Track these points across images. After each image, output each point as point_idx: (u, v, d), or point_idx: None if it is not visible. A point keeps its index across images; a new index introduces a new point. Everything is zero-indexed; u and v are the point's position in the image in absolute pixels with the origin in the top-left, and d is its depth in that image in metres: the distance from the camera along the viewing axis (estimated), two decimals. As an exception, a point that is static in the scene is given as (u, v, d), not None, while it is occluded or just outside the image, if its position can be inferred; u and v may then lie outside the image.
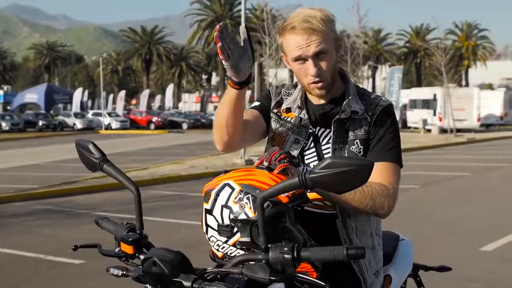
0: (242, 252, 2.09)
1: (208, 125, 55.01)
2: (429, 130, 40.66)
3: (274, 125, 2.70)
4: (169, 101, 73.11)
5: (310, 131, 2.60)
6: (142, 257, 2.12)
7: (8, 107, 70.72)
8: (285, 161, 2.21)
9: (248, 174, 2.16)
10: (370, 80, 76.39)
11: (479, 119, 42.11)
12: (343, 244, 2.49)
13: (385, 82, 48.06)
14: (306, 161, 2.58)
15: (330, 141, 2.56)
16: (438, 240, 9.06)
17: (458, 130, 37.46)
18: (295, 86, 2.74)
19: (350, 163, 1.83)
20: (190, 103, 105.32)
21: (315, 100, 2.64)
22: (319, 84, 2.51)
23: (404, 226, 9.63)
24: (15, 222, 11.25)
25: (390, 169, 2.52)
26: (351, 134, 2.55)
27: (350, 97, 2.58)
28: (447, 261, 6.99)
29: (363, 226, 2.56)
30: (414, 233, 9.18)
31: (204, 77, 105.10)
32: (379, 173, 2.47)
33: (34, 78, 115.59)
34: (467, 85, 75.71)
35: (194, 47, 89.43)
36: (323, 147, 2.57)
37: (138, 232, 2.22)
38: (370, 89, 72.85)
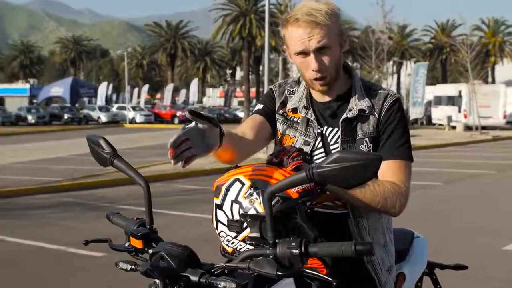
0: (251, 247, 2.08)
1: (232, 120, 55.22)
2: (453, 127, 40.31)
3: (281, 126, 2.65)
4: (193, 96, 73.28)
5: (318, 131, 2.55)
6: (151, 251, 2.12)
7: (34, 101, 71.36)
8: (299, 158, 2.20)
9: (259, 170, 2.15)
10: (395, 76, 75.88)
11: (505, 117, 41.69)
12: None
13: (410, 78, 47.81)
14: (315, 161, 2.51)
15: (338, 140, 2.52)
16: (461, 238, 8.99)
17: (483, 128, 37.13)
18: (298, 82, 2.68)
19: (358, 158, 1.80)
20: (214, 97, 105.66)
21: (320, 98, 2.59)
22: (321, 81, 2.47)
23: (426, 224, 9.59)
24: (39, 214, 11.37)
25: (402, 167, 2.47)
26: (359, 132, 2.50)
27: (356, 95, 2.53)
28: (469, 259, 6.93)
29: (375, 224, 2.52)
30: (437, 231, 9.14)
31: (229, 71, 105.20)
32: (391, 171, 2.44)
33: (60, 72, 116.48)
34: (493, 82, 74.96)
35: (218, 41, 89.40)
36: (331, 147, 2.53)
37: (148, 226, 2.22)
38: (395, 86, 71.57)
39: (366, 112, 2.51)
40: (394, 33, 66.63)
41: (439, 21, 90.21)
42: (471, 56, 38.04)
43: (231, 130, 2.46)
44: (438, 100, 45.14)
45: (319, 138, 2.55)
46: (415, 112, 42.44)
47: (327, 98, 2.57)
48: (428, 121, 46.48)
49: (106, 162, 2.29)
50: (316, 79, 2.47)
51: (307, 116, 2.57)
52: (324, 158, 1.87)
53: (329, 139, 2.54)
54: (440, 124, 43.24)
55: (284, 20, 2.48)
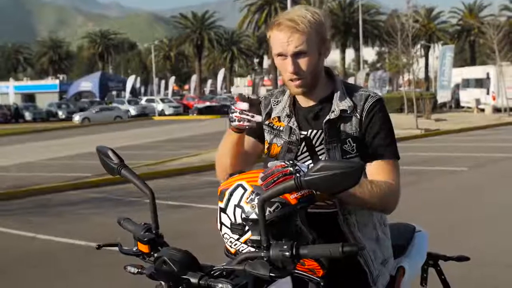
0: (253, 249, 2.21)
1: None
2: (482, 110, 39.79)
3: (268, 136, 2.78)
4: (220, 86, 73.58)
5: (302, 136, 2.67)
6: (156, 255, 2.27)
7: (64, 96, 72.13)
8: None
9: None
10: (423, 59, 75.17)
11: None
12: (349, 239, 2.59)
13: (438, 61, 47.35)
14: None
15: (323, 141, 2.63)
16: (485, 225, 8.93)
17: (512, 109, 36.61)
18: (283, 92, 2.81)
19: (341, 166, 1.95)
20: (242, 87, 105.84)
21: (305, 103, 2.71)
22: (297, 82, 2.59)
23: (451, 211, 9.63)
24: (68, 210, 11.60)
25: (391, 165, 2.60)
26: (342, 133, 2.62)
27: (338, 96, 2.65)
28: (493, 247, 7.01)
29: (364, 220, 2.65)
30: (460, 218, 9.17)
31: (256, 60, 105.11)
32: (381, 171, 2.57)
33: (89, 66, 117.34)
34: (523, 62, 73.75)
35: (244, 31, 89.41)
36: (317, 149, 2.65)
37: (153, 232, 2.37)
38: (423, 69, 69.93)
39: (348, 113, 2.63)
40: (420, 16, 65.81)
41: (466, 1, 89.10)
42: (499, 37, 37.49)
43: None
44: (466, 83, 44.51)
45: (303, 143, 2.68)
46: (443, 96, 42.07)
47: (311, 103, 2.70)
48: (456, 104, 45.99)
49: (114, 171, 2.45)
50: (292, 80, 2.60)
51: (289, 124, 2.70)
52: (312, 165, 2.01)
53: (314, 141, 2.66)
54: (468, 107, 42.72)
55: (270, 23, 2.64)
